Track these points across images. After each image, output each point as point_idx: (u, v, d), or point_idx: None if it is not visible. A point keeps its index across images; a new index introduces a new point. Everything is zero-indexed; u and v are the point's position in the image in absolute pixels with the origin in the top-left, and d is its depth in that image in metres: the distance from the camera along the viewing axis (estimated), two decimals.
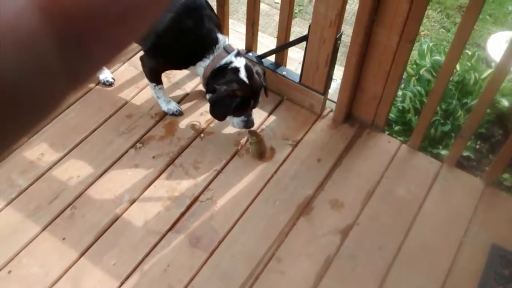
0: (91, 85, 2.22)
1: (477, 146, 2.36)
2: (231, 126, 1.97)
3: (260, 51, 2.27)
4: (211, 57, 1.82)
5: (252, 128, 1.96)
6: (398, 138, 2.18)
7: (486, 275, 1.67)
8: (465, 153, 2.22)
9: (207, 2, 1.87)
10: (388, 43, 1.81)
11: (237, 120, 1.91)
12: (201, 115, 2.14)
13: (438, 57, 2.44)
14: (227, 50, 1.84)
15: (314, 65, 2.04)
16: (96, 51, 0.33)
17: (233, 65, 1.81)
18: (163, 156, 1.98)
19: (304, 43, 2.03)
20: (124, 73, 2.30)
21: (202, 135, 2.07)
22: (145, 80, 2.25)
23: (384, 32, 1.79)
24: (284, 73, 2.20)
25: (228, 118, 1.91)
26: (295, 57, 2.40)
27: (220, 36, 1.84)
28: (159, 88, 2.03)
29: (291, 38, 2.16)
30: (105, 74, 2.21)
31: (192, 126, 2.10)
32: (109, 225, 1.77)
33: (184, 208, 1.82)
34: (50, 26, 0.29)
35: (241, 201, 1.86)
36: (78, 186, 1.86)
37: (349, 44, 1.87)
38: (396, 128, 2.31)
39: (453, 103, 2.30)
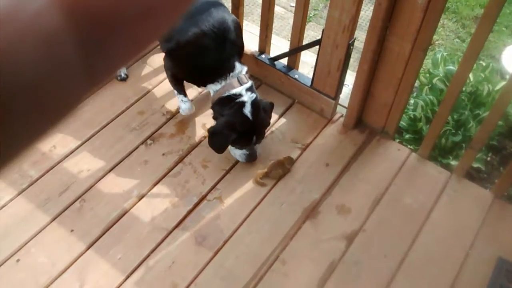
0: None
1: (488, 158, 2.35)
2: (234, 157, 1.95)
3: (273, 53, 2.29)
4: (223, 83, 1.80)
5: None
6: (408, 146, 2.18)
7: None
8: (476, 165, 2.21)
9: (237, 27, 1.84)
10: (400, 51, 1.82)
11: (239, 152, 1.91)
12: (211, 114, 2.16)
13: (451, 67, 2.43)
14: (240, 81, 1.81)
15: (326, 70, 2.05)
16: (116, 49, 0.33)
17: (241, 98, 1.79)
18: (173, 153, 2.00)
19: (317, 47, 2.04)
20: (138, 69, 2.33)
21: None
22: (158, 77, 2.29)
23: (397, 40, 1.80)
24: (296, 76, 2.21)
25: (231, 150, 1.91)
26: (307, 60, 2.41)
27: (237, 64, 1.81)
28: (182, 100, 2.01)
29: (305, 42, 2.18)
30: (120, 69, 2.25)
31: (203, 126, 2.12)
32: (117, 219, 1.79)
33: (191, 206, 1.84)
34: (71, 25, 0.29)
35: (248, 202, 1.88)
36: (88, 179, 1.89)
37: (361, 50, 1.88)
38: (407, 136, 2.31)
39: (465, 113, 2.29)
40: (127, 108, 2.16)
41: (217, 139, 1.85)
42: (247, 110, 1.79)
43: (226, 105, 1.81)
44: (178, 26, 1.76)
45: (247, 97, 1.80)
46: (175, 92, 2.02)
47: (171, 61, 1.92)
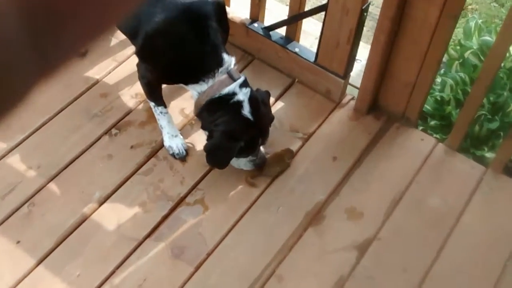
0: None
1: None
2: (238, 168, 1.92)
3: (268, 21, 2.27)
4: (210, 82, 1.74)
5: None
6: (434, 135, 2.18)
7: None
8: None
9: (221, 7, 1.80)
10: (426, 19, 1.80)
11: (244, 161, 1.88)
12: (192, 97, 2.14)
13: (487, 38, 2.43)
14: (232, 76, 1.76)
15: (334, 42, 2.03)
16: (70, 31, 0.33)
17: (236, 98, 1.74)
18: (144, 146, 1.99)
19: (322, 13, 2.02)
20: (100, 42, 2.30)
21: (192, 122, 2.08)
22: (126, 52, 2.27)
23: (421, 5, 1.78)
24: (296, 50, 2.20)
25: (232, 162, 1.87)
26: (310, 30, 2.39)
27: (226, 56, 1.76)
28: (161, 112, 1.93)
29: (307, 7, 2.15)
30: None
31: (181, 111, 2.10)
32: (74, 227, 1.77)
33: (167, 211, 1.83)
34: (17, 5, 0.30)
35: (237, 205, 1.87)
36: (38, 178, 1.87)
37: (377, 17, 1.86)
38: (432, 123, 2.31)
39: (503, 94, 2.29)
40: (87, 90, 2.13)
41: (219, 156, 1.82)
42: (246, 110, 1.75)
43: (218, 109, 1.76)
44: (143, 13, 1.72)
45: (243, 95, 1.75)
46: (152, 104, 1.95)
47: (145, 62, 1.86)
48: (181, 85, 1.86)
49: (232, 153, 1.79)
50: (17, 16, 0.30)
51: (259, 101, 1.80)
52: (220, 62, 1.75)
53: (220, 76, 1.75)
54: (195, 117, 2.07)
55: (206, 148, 1.81)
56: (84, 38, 0.35)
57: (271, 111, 1.91)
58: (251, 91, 1.79)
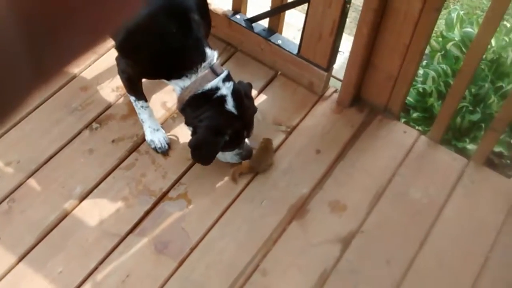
0: None
1: None
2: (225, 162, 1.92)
3: (250, 13, 2.25)
4: (193, 77, 1.73)
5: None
6: (416, 127, 2.20)
7: None
8: (497, 149, 2.24)
9: (200, 3, 1.78)
10: (408, 10, 1.81)
11: (230, 155, 1.88)
12: (173, 90, 2.12)
13: (469, 29, 2.45)
14: (215, 71, 1.76)
15: (317, 34, 2.03)
16: (68, 38, 0.34)
17: (219, 93, 1.74)
18: (125, 140, 1.97)
19: (305, 5, 2.02)
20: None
21: (174, 115, 2.07)
22: (106, 44, 2.23)
23: None
24: (279, 42, 2.19)
25: (219, 156, 1.87)
26: (293, 22, 2.39)
27: (208, 51, 1.75)
28: (141, 106, 1.92)
29: None
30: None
31: (163, 104, 2.09)
32: (55, 223, 1.76)
33: (150, 205, 1.83)
34: (14, 7, 0.30)
35: (220, 199, 1.87)
36: (18, 174, 1.85)
37: (360, 8, 1.86)
38: (415, 115, 2.32)
39: (485, 86, 2.32)
40: (66, 83, 2.11)
41: (204, 151, 1.81)
42: (230, 104, 1.75)
43: (202, 105, 1.75)
44: None
45: (226, 89, 1.75)
46: (133, 99, 1.93)
47: (126, 58, 1.83)
48: (163, 80, 1.84)
49: (217, 148, 1.79)
50: (14, 21, 0.30)
51: (242, 95, 1.80)
52: (203, 57, 1.74)
53: (203, 71, 1.74)
54: (177, 111, 2.06)
55: (191, 144, 1.80)
56: (80, 47, 0.36)
57: (254, 103, 1.91)
58: (234, 84, 1.78)
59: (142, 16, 1.67)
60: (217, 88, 1.74)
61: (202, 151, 1.82)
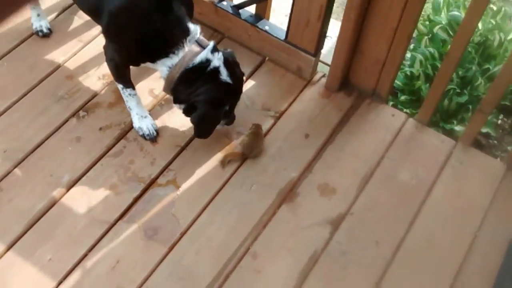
0: (22, 36, 2.18)
1: (499, 121, 2.41)
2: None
3: None
4: (180, 53, 1.74)
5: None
6: (404, 110, 2.22)
7: (503, 276, 1.73)
8: (484, 130, 2.27)
9: None
10: None
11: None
12: (161, 77, 2.12)
13: (456, 13, 2.46)
14: (201, 44, 1.77)
15: (304, 19, 2.04)
16: None
17: (211, 65, 1.76)
18: (113, 127, 1.97)
19: None
20: (65, 22, 2.26)
21: (162, 102, 2.07)
22: (91, 32, 2.24)
23: None
24: (266, 27, 2.19)
25: None
26: (280, 8, 2.39)
27: (191, 26, 1.76)
28: (129, 94, 1.92)
29: None
30: (40, 22, 2.17)
31: (150, 92, 2.09)
32: (44, 212, 1.76)
33: (139, 192, 1.83)
34: None
35: (209, 184, 1.87)
36: (5, 163, 1.85)
37: None
38: (402, 98, 2.34)
39: (472, 69, 2.34)
40: (52, 71, 2.10)
41: (207, 125, 1.85)
42: (224, 74, 1.78)
43: (196, 79, 1.76)
44: None
45: (217, 60, 1.77)
46: (120, 87, 1.93)
47: (112, 42, 1.83)
48: (148, 65, 1.84)
49: (219, 119, 1.85)
50: None
51: (231, 63, 1.83)
52: (186, 32, 1.75)
53: (189, 45, 1.75)
54: (165, 97, 2.07)
55: (194, 120, 1.82)
56: None
57: (240, 68, 1.92)
58: (223, 54, 1.81)
59: None
60: (208, 61, 1.76)
61: (205, 126, 1.85)
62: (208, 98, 1.77)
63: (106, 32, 1.82)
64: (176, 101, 1.85)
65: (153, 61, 1.79)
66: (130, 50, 1.81)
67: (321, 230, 1.80)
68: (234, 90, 1.84)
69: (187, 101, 1.81)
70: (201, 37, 1.79)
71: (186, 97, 1.80)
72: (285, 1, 2.40)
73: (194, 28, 1.77)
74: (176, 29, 1.73)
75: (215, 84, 1.77)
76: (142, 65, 1.87)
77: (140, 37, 1.74)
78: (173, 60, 1.76)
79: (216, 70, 1.77)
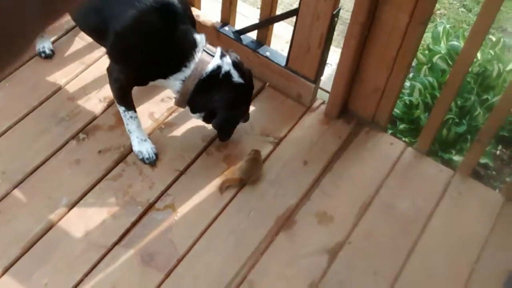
0: (24, 56, 2.19)
1: (498, 152, 2.42)
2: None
3: (239, 25, 2.28)
4: (192, 65, 1.79)
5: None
6: (403, 139, 2.23)
7: None
8: (483, 160, 2.28)
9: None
10: (395, 24, 1.84)
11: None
12: (162, 101, 2.14)
13: (455, 43, 2.49)
14: (209, 52, 1.83)
15: (305, 46, 2.06)
16: None
17: (222, 70, 1.83)
18: (112, 150, 1.98)
19: (293, 18, 2.05)
20: (67, 44, 2.28)
21: (162, 126, 2.08)
22: (93, 54, 2.25)
23: (391, 10, 1.82)
24: (267, 54, 2.22)
25: None
26: (281, 34, 2.42)
27: (197, 36, 1.82)
28: (131, 117, 1.92)
29: (278, 11, 2.18)
30: (43, 43, 2.19)
31: (150, 115, 2.10)
32: (41, 235, 1.76)
33: (136, 216, 1.83)
34: None
35: (207, 210, 1.88)
36: (3, 184, 1.85)
37: (348, 22, 1.89)
38: (401, 126, 2.36)
39: (471, 99, 2.36)
40: (53, 93, 2.11)
41: (231, 126, 1.94)
42: (236, 76, 1.86)
43: (211, 87, 1.83)
44: (109, 11, 1.72)
45: (227, 65, 1.85)
46: (122, 109, 1.92)
47: (119, 64, 1.85)
48: (158, 82, 1.86)
49: (239, 120, 1.96)
50: None
51: (239, 63, 1.89)
52: (194, 43, 1.80)
53: (199, 56, 1.80)
54: (165, 121, 2.08)
55: (217, 124, 1.89)
56: None
57: (245, 66, 1.99)
58: (230, 57, 1.87)
59: (130, 17, 1.70)
60: (219, 67, 1.83)
61: (229, 129, 1.93)
62: (226, 102, 1.84)
63: (111, 53, 1.84)
64: (194, 111, 1.90)
65: (165, 77, 1.83)
66: (139, 69, 1.83)
67: (318, 259, 1.80)
68: (247, 88, 1.93)
69: (205, 109, 1.87)
70: (208, 45, 1.85)
71: (204, 105, 1.86)
72: (286, 28, 2.43)
73: (201, 38, 1.83)
74: (185, 43, 1.79)
75: (230, 87, 1.85)
76: (151, 83, 1.89)
77: (150, 55, 1.78)
78: (186, 73, 1.80)
79: (228, 74, 1.84)
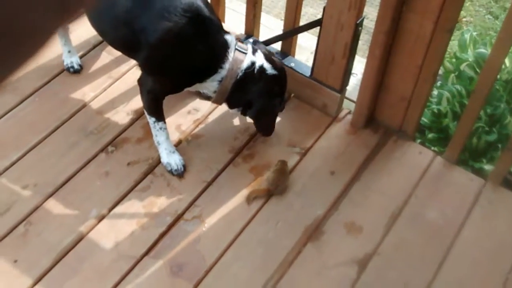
0: (53, 71, 2.25)
1: None
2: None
3: (263, 37, 2.31)
4: (227, 65, 1.85)
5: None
6: (432, 148, 2.21)
7: None
8: None
9: (205, 2, 1.86)
10: (420, 32, 1.84)
11: None
12: (188, 113, 2.17)
13: (483, 50, 2.47)
14: (241, 50, 1.89)
15: (329, 56, 2.07)
16: None
17: (257, 65, 1.90)
18: (140, 162, 2.01)
19: (317, 28, 2.06)
20: (95, 58, 2.33)
21: (189, 138, 2.11)
22: (121, 68, 2.30)
23: (416, 18, 1.82)
24: (292, 64, 2.23)
25: None
26: (306, 45, 2.44)
27: (228, 37, 1.87)
28: (160, 128, 1.95)
29: (302, 22, 2.20)
30: (71, 58, 2.25)
31: (177, 127, 2.13)
32: (72, 246, 1.79)
33: (165, 227, 1.85)
34: None
35: (235, 220, 1.89)
36: (34, 197, 1.89)
37: (372, 31, 1.90)
38: (430, 135, 2.34)
39: (500, 106, 2.33)
40: (82, 107, 2.16)
41: (266, 117, 2.00)
42: (269, 68, 1.92)
43: (248, 83, 1.89)
44: (139, 23, 1.77)
45: (259, 59, 1.91)
46: (152, 120, 1.95)
47: (154, 74, 1.88)
48: (193, 87, 1.92)
49: (276, 110, 2.00)
50: None
51: (270, 55, 1.96)
52: (226, 44, 1.85)
53: (233, 55, 1.85)
54: (192, 133, 2.11)
55: (253, 114, 1.96)
56: None
57: (275, 56, 2.06)
58: (261, 50, 1.94)
59: (164, 28, 1.74)
60: (253, 63, 1.89)
61: (267, 118, 2.00)
62: (262, 94, 1.91)
63: (145, 65, 1.88)
64: (233, 106, 1.97)
65: (202, 80, 1.88)
66: (177, 78, 1.89)
67: (347, 270, 1.79)
68: (281, 78, 1.98)
69: (244, 102, 1.93)
70: (239, 44, 1.90)
71: (241, 100, 1.93)
72: (310, 39, 2.45)
73: (231, 38, 1.88)
74: (217, 45, 1.85)
75: (265, 80, 1.91)
76: (186, 89, 1.97)
77: (186, 62, 1.83)
78: (222, 73, 1.86)
79: (262, 67, 1.91)
